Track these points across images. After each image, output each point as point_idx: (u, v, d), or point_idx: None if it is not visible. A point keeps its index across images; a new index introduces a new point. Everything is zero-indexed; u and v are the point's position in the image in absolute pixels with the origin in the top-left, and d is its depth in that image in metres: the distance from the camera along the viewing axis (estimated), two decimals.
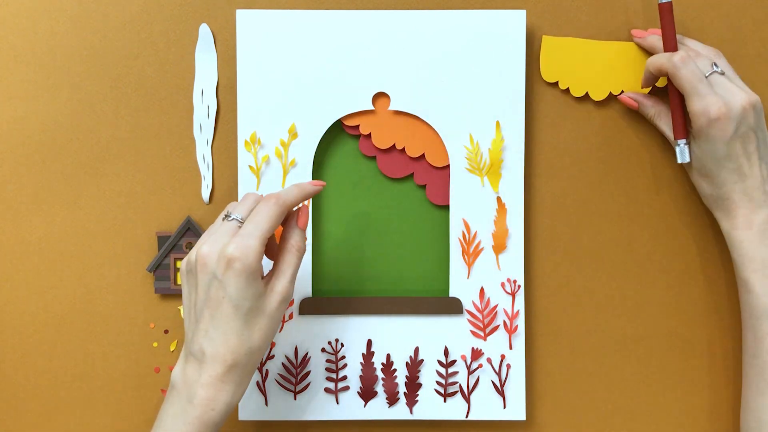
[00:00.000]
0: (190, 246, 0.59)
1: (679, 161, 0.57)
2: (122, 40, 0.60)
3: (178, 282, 0.60)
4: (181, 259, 0.59)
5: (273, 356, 0.59)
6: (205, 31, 0.60)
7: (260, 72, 0.58)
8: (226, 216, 0.51)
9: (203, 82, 0.60)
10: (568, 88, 0.60)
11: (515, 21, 0.58)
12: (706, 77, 0.54)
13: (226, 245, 0.49)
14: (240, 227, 0.51)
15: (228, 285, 0.49)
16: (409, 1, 0.60)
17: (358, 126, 0.59)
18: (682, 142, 0.56)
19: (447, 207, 0.60)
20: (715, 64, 0.55)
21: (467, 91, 0.58)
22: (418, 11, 0.58)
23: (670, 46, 0.56)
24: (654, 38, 0.58)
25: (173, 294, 0.60)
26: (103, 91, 0.60)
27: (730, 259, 0.61)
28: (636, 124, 0.61)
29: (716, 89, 0.54)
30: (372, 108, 0.59)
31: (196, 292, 0.51)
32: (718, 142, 0.54)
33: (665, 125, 0.58)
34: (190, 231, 0.60)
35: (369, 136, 0.59)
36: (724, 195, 0.55)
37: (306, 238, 0.53)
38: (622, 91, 0.59)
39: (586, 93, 0.59)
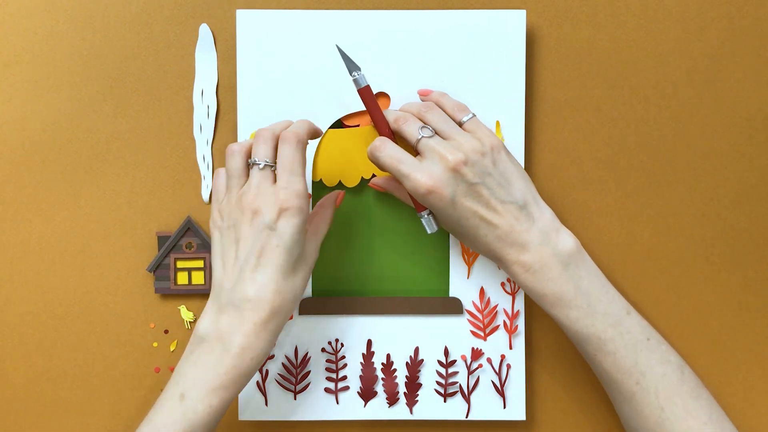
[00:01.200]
0: (190, 246, 0.59)
1: (429, 232, 0.55)
2: (122, 40, 0.60)
3: (179, 282, 0.60)
4: (181, 258, 0.60)
5: (273, 356, 0.59)
6: (205, 31, 0.60)
7: (260, 72, 0.58)
8: (254, 164, 0.52)
9: (203, 82, 0.60)
10: (321, 180, 0.59)
11: (515, 21, 0.58)
12: (417, 142, 0.53)
13: (275, 194, 0.51)
14: (274, 169, 0.52)
15: (283, 232, 0.50)
16: (409, 1, 0.60)
17: (358, 125, 0.59)
18: (424, 213, 0.54)
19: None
20: (423, 128, 0.53)
21: (467, 91, 0.58)
22: (418, 11, 0.58)
23: (382, 130, 0.55)
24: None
25: (173, 294, 0.60)
26: (103, 91, 0.60)
27: (731, 258, 0.61)
28: (636, 124, 0.61)
29: (424, 159, 0.52)
30: None
31: (237, 245, 0.51)
32: (444, 210, 0.52)
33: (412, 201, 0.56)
34: (190, 231, 0.60)
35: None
36: (486, 249, 0.54)
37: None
38: (373, 175, 0.59)
39: (340, 181, 0.59)
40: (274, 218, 0.50)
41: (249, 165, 0.53)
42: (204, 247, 0.60)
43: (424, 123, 0.54)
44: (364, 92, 0.55)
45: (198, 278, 0.60)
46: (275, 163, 0.52)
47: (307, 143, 0.53)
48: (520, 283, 0.54)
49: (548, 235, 0.54)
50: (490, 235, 0.53)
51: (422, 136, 0.53)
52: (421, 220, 0.55)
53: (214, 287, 0.52)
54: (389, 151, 0.53)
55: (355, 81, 0.55)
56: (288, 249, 0.50)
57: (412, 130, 0.54)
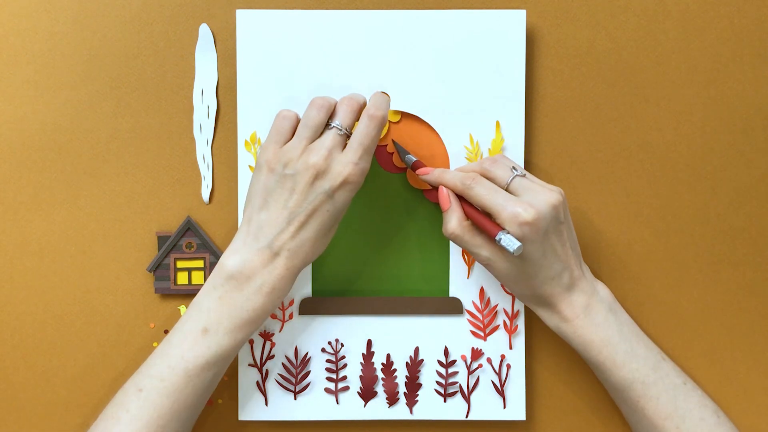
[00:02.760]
0: (190, 246, 0.59)
1: (514, 251, 0.50)
2: (122, 40, 0.60)
3: (179, 282, 0.60)
4: (181, 258, 0.60)
5: (273, 356, 0.59)
6: (205, 31, 0.60)
7: (260, 72, 0.58)
8: (335, 126, 0.53)
9: (203, 82, 0.60)
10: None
11: (515, 21, 0.58)
12: (508, 183, 0.53)
13: (344, 164, 0.52)
14: (346, 139, 0.53)
15: (338, 201, 0.52)
16: (409, 1, 0.60)
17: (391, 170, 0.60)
18: (502, 233, 0.51)
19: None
20: (515, 168, 0.54)
21: (467, 91, 0.58)
22: (418, 11, 0.58)
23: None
24: (439, 171, 0.56)
25: (173, 294, 0.60)
26: (103, 91, 0.60)
27: (731, 258, 0.61)
28: (636, 124, 0.61)
29: (521, 195, 0.52)
30: None
31: (291, 196, 0.52)
32: (535, 245, 0.52)
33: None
34: (190, 231, 0.60)
35: None
36: (544, 292, 0.54)
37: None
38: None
39: None
40: (336, 187, 0.52)
41: (327, 125, 0.54)
42: (204, 247, 0.60)
43: (489, 178, 0.54)
44: (417, 166, 0.57)
45: (198, 278, 0.60)
46: (351, 131, 0.54)
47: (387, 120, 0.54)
48: (567, 332, 0.55)
49: (591, 282, 0.55)
50: (556, 276, 0.53)
51: (516, 175, 0.53)
52: (501, 242, 0.51)
53: (249, 226, 0.54)
54: (485, 183, 0.53)
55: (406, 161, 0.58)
56: (336, 215, 0.53)
57: (504, 170, 0.54)
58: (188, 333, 0.53)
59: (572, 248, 0.54)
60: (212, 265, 0.59)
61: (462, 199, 0.55)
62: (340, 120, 0.53)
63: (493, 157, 0.56)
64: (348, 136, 0.53)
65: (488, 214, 0.53)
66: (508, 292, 0.59)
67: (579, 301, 0.54)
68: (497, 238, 0.51)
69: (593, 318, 0.54)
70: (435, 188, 0.56)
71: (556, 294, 0.54)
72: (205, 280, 0.60)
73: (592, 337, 0.54)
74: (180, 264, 0.60)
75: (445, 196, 0.55)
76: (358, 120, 0.54)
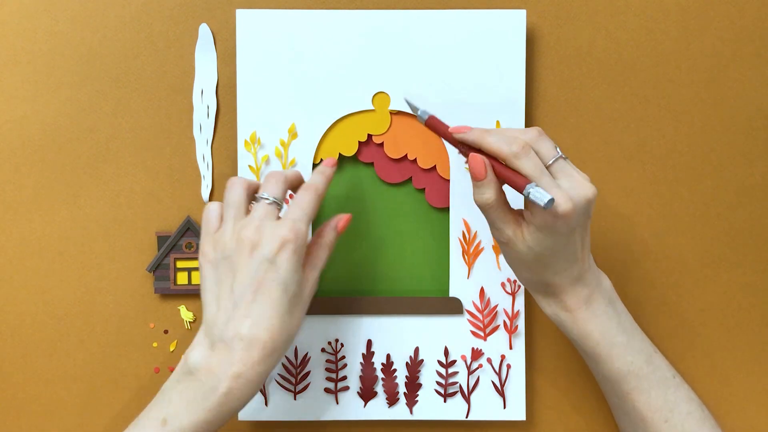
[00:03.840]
0: (190, 246, 0.59)
1: (545, 205, 0.47)
2: (122, 40, 0.60)
3: (178, 282, 0.60)
4: (181, 258, 0.60)
5: None
6: (205, 30, 0.60)
7: (260, 72, 0.58)
8: (261, 198, 0.51)
9: (203, 82, 0.60)
10: (321, 160, 0.59)
11: (515, 21, 0.58)
12: (549, 165, 0.49)
13: (277, 227, 0.49)
14: (279, 209, 0.51)
15: (280, 266, 0.48)
16: (409, 1, 0.60)
17: (372, 163, 0.60)
18: (531, 186, 0.48)
19: (446, 209, 0.60)
20: (557, 148, 0.50)
21: (467, 91, 0.58)
22: (418, 11, 0.58)
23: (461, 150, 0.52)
24: (480, 131, 0.51)
25: (173, 294, 0.60)
26: (103, 91, 0.60)
27: (731, 258, 0.61)
28: (636, 124, 0.61)
29: (560, 180, 0.49)
30: (372, 108, 0.59)
31: (233, 279, 0.49)
32: (561, 237, 0.49)
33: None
34: (190, 231, 0.60)
35: (370, 143, 0.59)
36: (552, 281, 0.52)
37: (336, 240, 0.55)
38: (369, 137, 0.59)
39: (339, 153, 0.59)
40: (275, 251, 0.48)
41: (253, 199, 0.52)
42: None
43: (534, 150, 0.50)
44: (431, 122, 0.53)
45: (198, 278, 0.60)
46: (282, 202, 0.52)
47: (324, 193, 0.53)
48: (566, 321, 0.53)
49: (596, 273, 0.54)
50: (569, 268, 0.52)
51: (559, 156, 0.50)
52: (530, 195, 0.47)
53: (206, 321, 0.50)
54: (534, 159, 0.49)
55: (419, 117, 0.54)
56: (285, 285, 0.49)
57: (548, 148, 0.50)
58: (149, 419, 0.49)
59: (586, 243, 0.53)
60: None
61: (489, 156, 0.50)
62: (267, 191, 0.51)
63: (531, 129, 0.51)
64: (279, 205, 0.51)
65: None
66: (507, 293, 0.59)
67: (583, 292, 0.53)
68: (526, 192, 0.47)
69: (594, 309, 0.53)
70: (462, 152, 0.52)
71: (564, 285, 0.52)
72: None
73: (591, 328, 0.53)
74: (180, 264, 0.60)
75: (481, 164, 0.50)
76: (290, 191, 0.54)
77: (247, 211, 0.52)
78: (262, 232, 0.49)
